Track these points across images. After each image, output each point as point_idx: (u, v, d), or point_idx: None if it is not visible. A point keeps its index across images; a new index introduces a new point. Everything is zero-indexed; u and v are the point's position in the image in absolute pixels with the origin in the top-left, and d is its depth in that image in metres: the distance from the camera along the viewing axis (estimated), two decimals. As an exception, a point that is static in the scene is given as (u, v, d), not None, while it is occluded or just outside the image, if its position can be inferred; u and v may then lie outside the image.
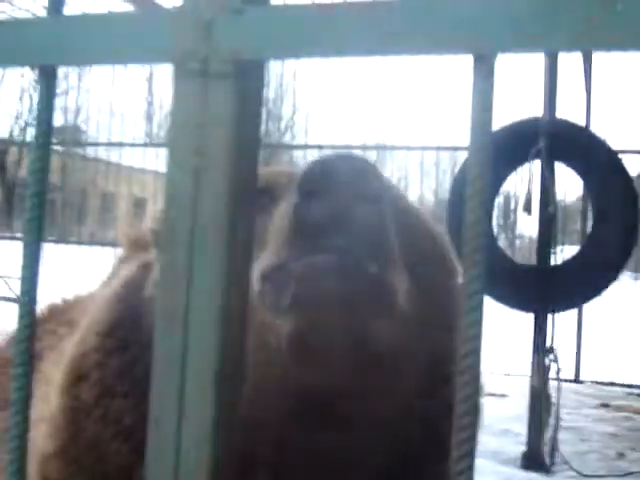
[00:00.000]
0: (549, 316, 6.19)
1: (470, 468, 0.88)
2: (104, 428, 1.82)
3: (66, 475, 1.91)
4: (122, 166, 13.80)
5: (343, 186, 1.42)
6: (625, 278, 10.61)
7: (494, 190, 6.24)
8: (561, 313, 6.31)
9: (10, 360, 2.68)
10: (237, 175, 1.04)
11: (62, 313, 2.64)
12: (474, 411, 0.86)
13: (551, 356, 6.08)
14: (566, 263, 6.24)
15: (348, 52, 0.94)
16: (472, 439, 0.86)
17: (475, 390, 0.88)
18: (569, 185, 9.71)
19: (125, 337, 1.81)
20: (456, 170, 7.48)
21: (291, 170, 1.85)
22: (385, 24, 0.89)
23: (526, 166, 6.07)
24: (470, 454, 0.88)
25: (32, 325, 1.15)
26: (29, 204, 1.14)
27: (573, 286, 5.90)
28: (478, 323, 0.88)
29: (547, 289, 5.87)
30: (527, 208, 6.03)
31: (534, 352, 6.25)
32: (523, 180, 6.04)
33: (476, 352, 0.88)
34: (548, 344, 6.17)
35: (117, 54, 1.07)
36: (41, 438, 1.97)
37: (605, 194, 5.94)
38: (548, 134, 5.91)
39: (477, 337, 0.88)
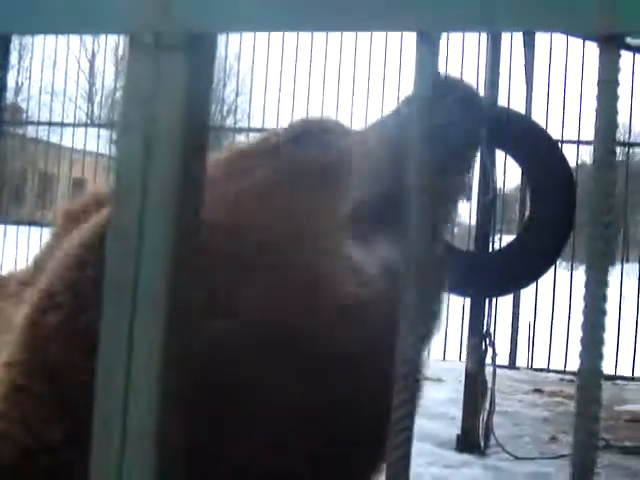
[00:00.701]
0: (486, 301, 6.30)
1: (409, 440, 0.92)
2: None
3: None
4: (63, 147, 13.61)
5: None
6: (560, 269, 10.77)
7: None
8: (498, 299, 6.44)
9: None
10: (187, 143, 1.06)
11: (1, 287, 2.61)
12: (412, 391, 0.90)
13: (487, 340, 6.19)
14: (504, 249, 6.36)
15: (300, 26, 0.97)
16: (410, 416, 0.90)
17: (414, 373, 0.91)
18: (508, 174, 9.85)
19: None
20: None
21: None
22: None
23: (466, 153, 6.15)
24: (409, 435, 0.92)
25: None
26: None
27: (510, 272, 6.00)
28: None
29: (485, 274, 5.97)
30: (466, 195, 6.11)
31: (470, 336, 6.36)
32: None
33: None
34: (484, 329, 6.28)
35: (69, 24, 1.09)
36: None
37: (543, 182, 6.05)
38: (488, 121, 5.98)
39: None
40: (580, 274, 10.69)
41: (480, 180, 6.26)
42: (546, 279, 9.82)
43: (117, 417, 1.04)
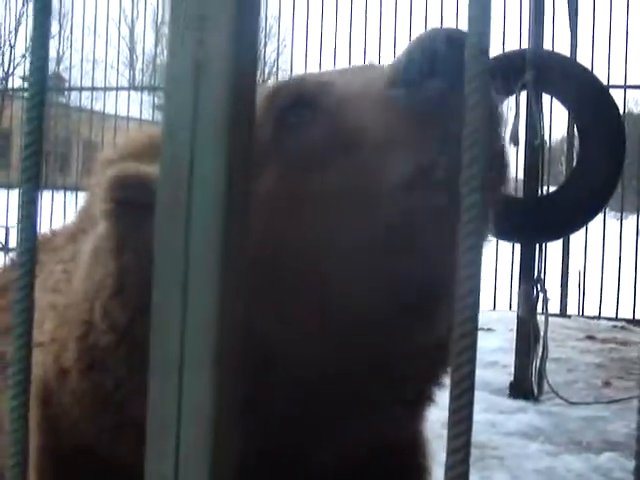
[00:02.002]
0: (536, 247, 6.25)
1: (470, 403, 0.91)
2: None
3: (90, 437, 1.87)
4: (106, 114, 13.67)
5: (449, 66, 1.32)
6: (609, 218, 10.64)
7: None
8: (547, 247, 6.38)
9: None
10: (237, 67, 1.05)
11: (46, 243, 2.61)
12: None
13: (538, 286, 6.15)
14: (553, 193, 6.29)
15: None
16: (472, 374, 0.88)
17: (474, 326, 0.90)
18: (553, 126, 9.71)
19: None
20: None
21: (328, 79, 1.66)
22: None
23: (513, 98, 6.07)
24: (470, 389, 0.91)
25: (32, 274, 1.16)
26: (25, 154, 1.15)
27: (560, 216, 5.94)
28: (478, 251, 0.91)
29: (534, 220, 5.91)
30: (514, 139, 6.05)
31: (521, 283, 6.32)
32: (510, 112, 6.03)
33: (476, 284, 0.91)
34: (535, 275, 6.23)
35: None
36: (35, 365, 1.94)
37: (591, 124, 5.96)
38: (535, 65, 5.90)
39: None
40: (630, 223, 10.58)
41: (527, 124, 6.19)
42: (595, 228, 9.74)
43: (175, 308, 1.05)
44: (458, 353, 0.92)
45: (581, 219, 6.17)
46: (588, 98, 5.98)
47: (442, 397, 1.88)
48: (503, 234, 6.14)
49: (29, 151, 1.15)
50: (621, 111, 7.33)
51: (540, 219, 5.91)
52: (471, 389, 0.92)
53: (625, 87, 9.93)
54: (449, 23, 10.89)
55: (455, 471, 0.90)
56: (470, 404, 0.92)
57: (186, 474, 1.07)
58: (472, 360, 0.92)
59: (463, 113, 1.15)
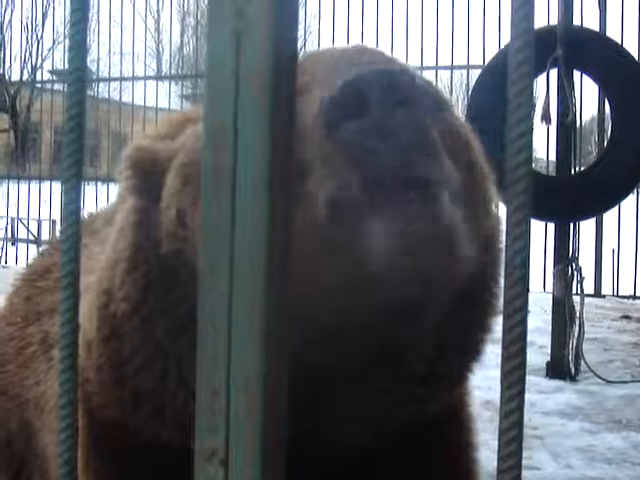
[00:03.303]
0: (570, 227, 6.20)
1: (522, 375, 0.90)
2: (163, 384, 1.79)
3: (113, 410, 1.91)
4: (135, 105, 13.73)
5: (380, 99, 1.35)
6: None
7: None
8: (581, 226, 6.34)
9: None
10: (277, 36, 1.05)
11: (87, 225, 2.66)
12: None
13: (573, 266, 6.11)
14: (586, 171, 6.23)
15: None
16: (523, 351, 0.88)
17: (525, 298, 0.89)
18: (582, 106, 9.61)
19: (162, 301, 1.77)
20: (470, 89, 7.41)
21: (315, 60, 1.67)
22: None
23: (543, 75, 6.01)
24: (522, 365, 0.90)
25: (76, 273, 1.17)
26: (67, 150, 1.15)
27: (593, 193, 5.89)
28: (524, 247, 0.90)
29: (568, 198, 5.86)
30: (545, 117, 6.00)
31: (555, 262, 6.28)
32: (541, 90, 5.97)
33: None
34: (570, 254, 6.19)
35: None
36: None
37: (624, 99, 5.89)
38: (565, 42, 5.85)
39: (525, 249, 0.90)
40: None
41: (558, 102, 6.13)
42: (628, 207, 9.67)
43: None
44: (509, 329, 0.91)
45: (615, 197, 6.11)
46: (621, 74, 5.91)
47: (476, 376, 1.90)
48: (536, 213, 6.10)
49: (71, 140, 1.16)
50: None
51: (574, 197, 5.86)
52: (523, 364, 0.91)
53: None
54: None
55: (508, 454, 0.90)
56: (522, 379, 0.91)
57: (237, 447, 1.07)
58: (523, 337, 0.91)
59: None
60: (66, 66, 1.16)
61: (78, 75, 1.16)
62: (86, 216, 3.06)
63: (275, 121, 1.05)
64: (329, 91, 1.41)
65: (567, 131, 6.20)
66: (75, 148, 1.17)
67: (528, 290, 0.91)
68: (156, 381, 1.80)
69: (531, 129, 0.89)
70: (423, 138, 1.38)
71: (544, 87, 6.02)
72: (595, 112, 11.36)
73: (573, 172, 6.35)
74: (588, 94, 9.92)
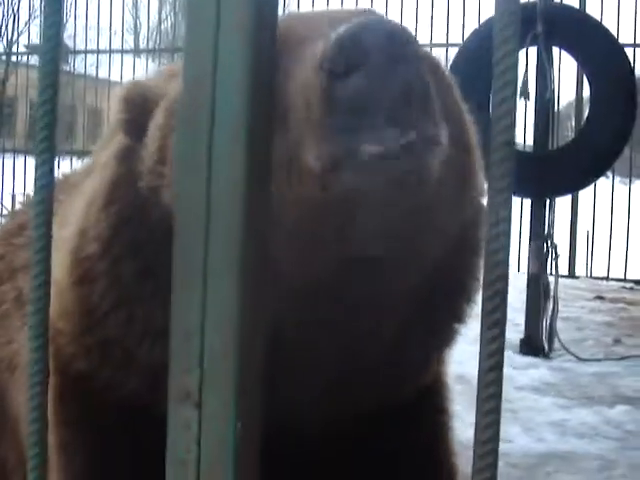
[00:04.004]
0: (546, 204, 6.21)
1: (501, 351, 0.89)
2: (129, 330, 1.79)
3: (82, 360, 1.90)
4: (111, 81, 13.60)
5: (377, 55, 1.31)
6: (617, 183, 10.60)
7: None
8: (556, 208, 6.35)
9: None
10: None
11: (65, 184, 2.63)
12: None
13: (549, 242, 6.12)
14: (563, 148, 6.24)
15: None
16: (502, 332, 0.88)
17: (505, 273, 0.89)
18: (562, 89, 9.61)
19: (131, 241, 1.75)
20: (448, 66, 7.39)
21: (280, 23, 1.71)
22: None
23: (522, 52, 6.00)
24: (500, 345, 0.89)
25: (48, 235, 1.14)
26: (40, 124, 1.13)
27: (570, 171, 5.89)
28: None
29: (544, 174, 5.87)
30: (524, 93, 5.99)
31: (531, 239, 6.29)
32: (519, 66, 5.97)
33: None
34: (546, 232, 6.20)
35: None
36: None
37: (602, 78, 5.89)
38: (545, 19, 5.82)
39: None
40: (637, 187, 10.54)
41: (537, 78, 6.12)
42: (603, 191, 9.72)
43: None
44: (489, 311, 0.90)
45: (591, 174, 6.12)
46: (600, 52, 5.91)
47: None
48: (514, 189, 6.10)
49: (44, 112, 1.13)
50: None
51: (550, 174, 5.87)
52: (502, 334, 0.90)
53: (635, 46, 9.78)
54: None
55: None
56: (501, 351, 0.90)
57: (211, 388, 1.05)
58: (502, 321, 0.90)
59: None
60: (41, 39, 1.15)
61: (52, 46, 1.14)
62: (61, 177, 3.03)
63: (254, 76, 1.02)
64: (332, 40, 1.35)
65: (546, 107, 6.19)
66: (48, 120, 1.14)
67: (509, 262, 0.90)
68: (122, 327, 1.79)
69: (515, 106, 0.88)
70: (423, 95, 1.35)
71: (523, 63, 6.01)
72: (573, 97, 11.37)
73: (550, 149, 6.35)
74: (566, 78, 9.94)
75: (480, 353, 0.90)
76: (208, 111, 1.03)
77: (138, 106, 1.78)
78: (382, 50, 1.31)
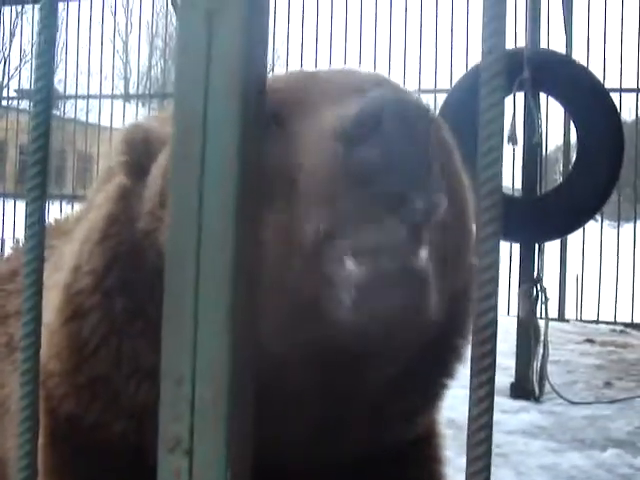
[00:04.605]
0: (535, 247, 6.23)
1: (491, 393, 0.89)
2: (117, 368, 1.78)
3: (72, 400, 1.90)
4: (101, 126, 13.65)
5: (391, 127, 1.33)
6: (605, 227, 10.63)
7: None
8: (545, 253, 6.38)
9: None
10: (250, 16, 1.04)
11: (56, 231, 2.64)
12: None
13: (538, 286, 6.13)
14: (551, 193, 6.27)
15: None
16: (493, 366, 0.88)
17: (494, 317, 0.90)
18: (549, 133, 9.69)
19: (124, 277, 1.76)
20: (437, 112, 7.45)
21: (293, 82, 1.68)
22: None
23: (510, 97, 6.04)
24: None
25: (39, 291, 1.15)
26: (32, 171, 1.14)
27: (558, 215, 5.92)
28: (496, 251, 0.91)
29: (533, 219, 5.89)
30: (512, 139, 6.03)
31: (520, 283, 6.30)
32: (507, 111, 6.01)
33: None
34: (535, 275, 6.22)
35: None
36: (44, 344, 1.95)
37: (589, 123, 5.93)
38: (532, 64, 5.88)
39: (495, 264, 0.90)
40: (626, 230, 10.58)
41: (525, 124, 6.17)
42: (592, 235, 9.76)
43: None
44: (479, 357, 0.90)
45: (580, 218, 6.15)
46: (587, 97, 5.96)
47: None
48: (501, 234, 6.11)
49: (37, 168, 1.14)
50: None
51: (539, 218, 5.89)
52: (492, 379, 0.90)
53: (620, 91, 9.86)
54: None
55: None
56: (491, 396, 0.90)
57: (202, 435, 1.05)
58: (492, 366, 0.90)
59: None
60: (32, 86, 1.16)
61: (44, 95, 1.15)
62: (56, 218, 3.06)
63: (245, 102, 1.04)
64: (347, 111, 1.39)
65: (534, 152, 6.24)
66: (40, 169, 1.15)
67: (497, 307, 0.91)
68: (111, 365, 1.79)
69: (501, 142, 0.89)
70: (426, 175, 1.37)
71: (511, 109, 6.06)
72: (560, 142, 11.46)
73: (539, 194, 6.38)
74: (553, 123, 10.02)
75: (470, 398, 0.90)
76: (198, 161, 1.04)
77: (140, 148, 1.81)
78: (397, 131, 1.32)
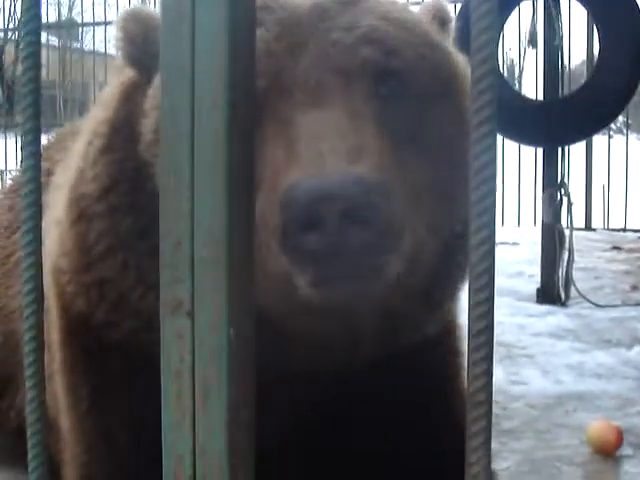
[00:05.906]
0: (558, 151, 6.15)
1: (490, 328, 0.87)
2: (123, 277, 1.82)
3: (82, 299, 1.93)
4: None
5: (338, 210, 1.37)
6: (632, 138, 10.49)
7: (499, 26, 6.11)
8: (570, 158, 6.28)
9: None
10: None
11: (70, 133, 2.65)
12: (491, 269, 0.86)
13: (562, 190, 6.07)
14: (573, 95, 6.15)
15: None
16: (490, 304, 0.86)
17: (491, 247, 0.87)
18: (573, 50, 9.51)
19: (130, 199, 1.78)
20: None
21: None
22: None
23: (530, 2, 5.91)
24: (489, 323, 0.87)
25: (37, 227, 1.14)
26: (25, 101, 1.12)
27: (581, 117, 5.81)
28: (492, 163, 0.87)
29: (556, 122, 5.80)
30: (532, 42, 5.92)
31: (545, 186, 6.23)
32: (527, 14, 5.90)
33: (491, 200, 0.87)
34: (559, 179, 6.15)
35: None
36: (52, 243, 1.97)
37: (612, 23, 5.77)
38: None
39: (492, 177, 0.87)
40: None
41: (545, 26, 6.04)
42: (618, 147, 9.64)
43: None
44: (476, 262, 0.87)
45: (602, 120, 6.03)
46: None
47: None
48: (524, 137, 6.06)
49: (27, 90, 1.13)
50: None
51: (561, 120, 5.80)
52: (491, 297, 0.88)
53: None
54: None
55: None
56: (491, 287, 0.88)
57: (203, 296, 1.05)
58: (491, 269, 0.87)
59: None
60: (21, 16, 1.14)
61: (35, 25, 1.13)
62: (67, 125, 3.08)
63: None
64: (286, 203, 1.42)
65: (554, 55, 6.11)
66: (33, 99, 1.13)
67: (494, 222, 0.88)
68: (117, 271, 1.82)
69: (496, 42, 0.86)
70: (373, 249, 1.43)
71: (530, 11, 5.94)
72: (584, 57, 11.25)
73: (561, 95, 6.27)
74: (576, 37, 9.82)
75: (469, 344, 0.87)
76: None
77: (139, 40, 1.77)
78: (337, 219, 1.37)
